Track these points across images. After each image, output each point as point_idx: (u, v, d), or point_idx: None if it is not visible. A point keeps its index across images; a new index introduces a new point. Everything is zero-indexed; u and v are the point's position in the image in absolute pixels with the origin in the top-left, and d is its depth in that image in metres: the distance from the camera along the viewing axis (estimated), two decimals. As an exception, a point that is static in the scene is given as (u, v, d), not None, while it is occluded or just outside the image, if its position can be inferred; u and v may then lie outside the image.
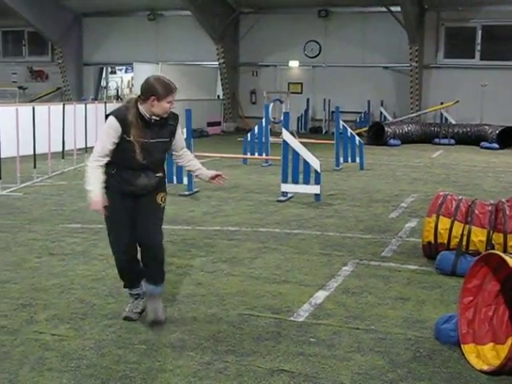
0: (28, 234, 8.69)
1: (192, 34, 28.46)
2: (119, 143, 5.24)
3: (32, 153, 13.17)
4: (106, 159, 5.28)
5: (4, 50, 32.97)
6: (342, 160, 15.98)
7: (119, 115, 5.27)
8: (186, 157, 5.80)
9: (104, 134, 5.28)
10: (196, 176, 6.03)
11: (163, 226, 5.65)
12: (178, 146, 5.64)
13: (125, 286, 5.78)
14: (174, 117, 5.51)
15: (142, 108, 5.29)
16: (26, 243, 8.18)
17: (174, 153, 5.71)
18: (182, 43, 28.98)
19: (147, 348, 4.98)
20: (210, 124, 26.68)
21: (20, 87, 30.86)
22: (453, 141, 23.12)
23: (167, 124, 5.42)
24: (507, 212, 7.21)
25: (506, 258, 4.73)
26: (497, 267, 4.99)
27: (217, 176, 5.79)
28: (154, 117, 5.31)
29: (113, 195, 5.35)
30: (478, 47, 26.09)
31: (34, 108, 13.14)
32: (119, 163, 5.31)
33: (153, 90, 5.29)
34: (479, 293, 5.14)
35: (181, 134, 5.72)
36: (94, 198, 5.20)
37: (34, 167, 13.14)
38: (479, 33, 25.94)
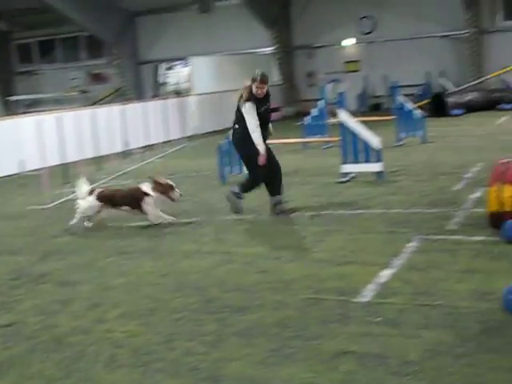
0: (97, 234, 8.89)
1: (244, 22, 28.48)
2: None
3: (94, 155, 13.43)
4: None
5: (63, 56, 33.65)
6: (403, 135, 15.78)
7: None
8: None
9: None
10: None
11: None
12: None
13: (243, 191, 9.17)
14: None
15: None
16: (95, 244, 8.37)
17: None
18: (234, 33, 29.03)
19: (215, 339, 5.04)
20: (271, 110, 26.63)
21: (82, 91, 31.45)
22: (518, 105, 22.53)
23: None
24: None
25: None
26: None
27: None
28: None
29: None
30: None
31: (94, 111, 13.39)
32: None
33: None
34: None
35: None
36: (262, 153, 8.79)
37: (99, 169, 13.39)
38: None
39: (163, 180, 9.07)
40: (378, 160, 11.15)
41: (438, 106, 22.26)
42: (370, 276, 6.23)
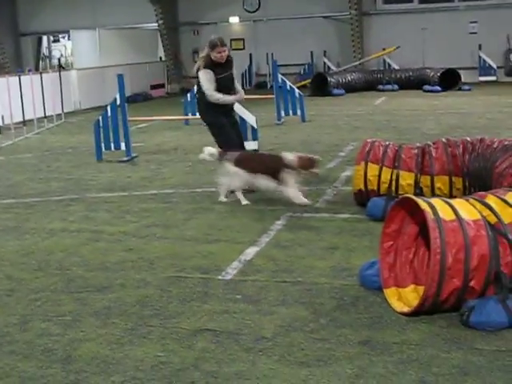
0: (-40, 213, 8.55)
1: (128, -4, 27.99)
2: None
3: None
4: None
5: None
6: (283, 114, 15.96)
7: None
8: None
9: None
10: None
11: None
12: None
13: None
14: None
15: None
16: (-43, 223, 8.05)
17: None
18: (119, 6, 28.47)
19: (72, 319, 4.95)
20: (153, 87, 26.39)
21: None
22: (396, 86, 23.24)
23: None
24: (433, 154, 7.30)
25: (419, 200, 4.79)
26: (413, 210, 5.04)
27: None
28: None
29: None
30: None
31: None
32: None
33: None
34: (399, 237, 5.20)
35: None
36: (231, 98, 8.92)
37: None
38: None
39: (306, 155, 8.19)
40: (254, 138, 11.23)
41: (319, 85, 22.63)
42: (235, 254, 6.28)
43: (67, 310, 5.13)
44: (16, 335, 4.73)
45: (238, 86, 9.20)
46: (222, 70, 8.81)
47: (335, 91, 22.48)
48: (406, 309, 4.80)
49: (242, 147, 9.17)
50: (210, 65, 8.75)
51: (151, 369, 4.14)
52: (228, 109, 9.04)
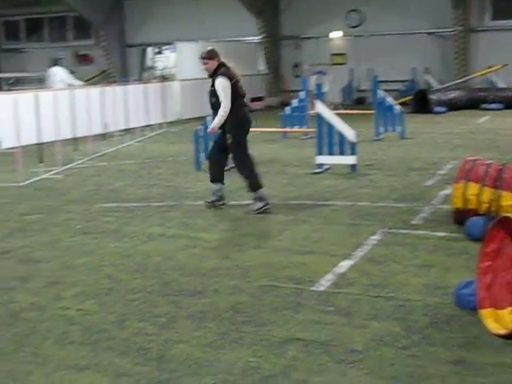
0: (65, 214, 8.89)
1: (232, 10, 28.42)
2: None
3: (72, 136, 13.40)
4: None
5: (50, 35, 33.43)
6: (382, 130, 15.85)
7: None
8: None
9: None
10: None
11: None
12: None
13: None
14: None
15: None
16: (62, 223, 8.39)
17: None
18: (222, 20, 28.97)
19: (167, 320, 5.09)
20: (253, 99, 26.64)
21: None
22: (501, 105, 22.65)
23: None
24: (537, 175, 7.09)
25: (520, 220, 4.68)
26: (514, 231, 4.94)
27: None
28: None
29: None
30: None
31: (72, 92, 13.37)
32: None
33: None
34: (497, 257, 5.09)
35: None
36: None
37: (75, 150, 13.36)
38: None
39: None
40: (353, 153, 11.21)
41: (421, 102, 22.33)
42: (328, 266, 6.29)
43: (163, 312, 5.27)
44: (114, 332, 4.90)
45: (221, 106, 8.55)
46: (211, 84, 8.72)
47: (436, 109, 22.12)
48: (502, 331, 4.69)
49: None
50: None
51: (242, 373, 4.21)
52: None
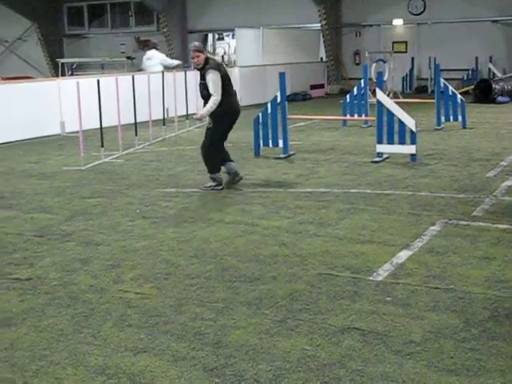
0: (125, 198, 9.02)
1: (293, -3, 28.28)
2: None
3: (134, 121, 13.53)
4: None
5: (112, 21, 33.82)
6: (443, 119, 15.59)
7: None
8: None
9: None
10: None
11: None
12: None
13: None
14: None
15: None
16: (122, 207, 8.51)
17: None
18: (283, 7, 28.79)
19: (224, 306, 5.12)
20: (313, 87, 26.54)
21: (128, 57, 31.58)
22: None
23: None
24: None
25: None
26: None
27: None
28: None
29: None
30: None
31: (133, 77, 13.50)
32: None
33: None
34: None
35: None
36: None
37: (136, 135, 13.50)
38: None
39: None
40: (413, 142, 11.07)
41: (483, 92, 21.88)
42: (387, 256, 6.24)
43: (220, 298, 5.30)
44: (171, 316, 4.96)
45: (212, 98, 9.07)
46: (201, 77, 9.09)
47: (500, 99, 21.64)
48: None
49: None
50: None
51: (298, 361, 4.21)
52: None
